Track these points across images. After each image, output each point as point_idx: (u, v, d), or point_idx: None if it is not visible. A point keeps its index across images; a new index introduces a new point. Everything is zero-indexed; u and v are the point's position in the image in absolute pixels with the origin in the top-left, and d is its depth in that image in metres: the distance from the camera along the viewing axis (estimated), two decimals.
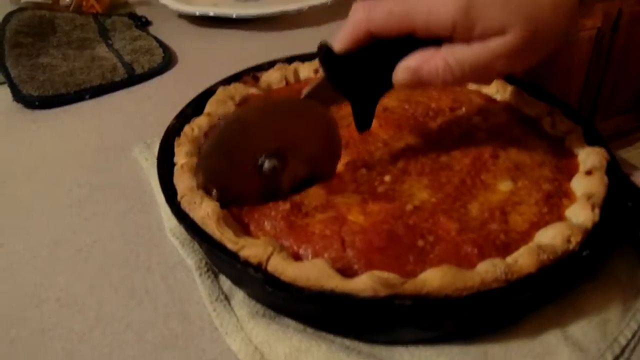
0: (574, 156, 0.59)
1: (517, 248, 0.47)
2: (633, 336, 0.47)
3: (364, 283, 0.42)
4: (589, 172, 0.54)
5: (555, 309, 0.48)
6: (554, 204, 0.52)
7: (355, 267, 0.46)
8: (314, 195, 0.53)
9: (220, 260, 0.48)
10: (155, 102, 0.88)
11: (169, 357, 0.48)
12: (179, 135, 0.62)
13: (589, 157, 0.57)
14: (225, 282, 0.53)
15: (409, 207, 0.51)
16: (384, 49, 0.49)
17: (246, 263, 0.45)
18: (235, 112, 0.50)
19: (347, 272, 0.45)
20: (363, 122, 0.55)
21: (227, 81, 0.73)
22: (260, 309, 0.50)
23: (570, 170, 0.57)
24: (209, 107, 0.67)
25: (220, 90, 0.70)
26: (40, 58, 0.97)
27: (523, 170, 0.56)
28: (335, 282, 0.42)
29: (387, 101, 0.55)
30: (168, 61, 1.01)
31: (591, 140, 0.60)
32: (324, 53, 0.50)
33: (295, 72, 0.77)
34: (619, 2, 2.36)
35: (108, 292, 0.54)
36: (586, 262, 0.46)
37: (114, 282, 0.55)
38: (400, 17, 0.47)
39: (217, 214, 0.48)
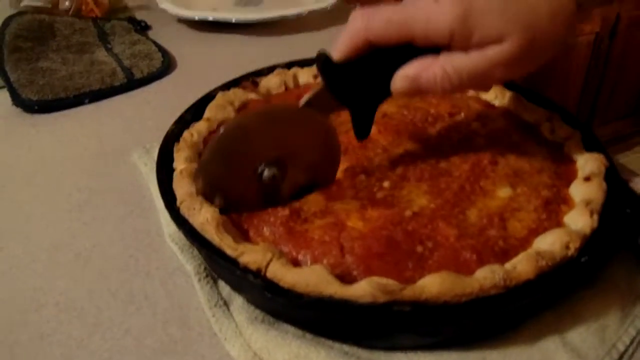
0: (572, 162, 0.59)
1: (515, 254, 0.47)
2: (631, 342, 0.47)
3: (363, 289, 0.42)
4: (587, 178, 0.54)
5: (554, 315, 0.49)
6: (552, 210, 0.52)
7: (354, 273, 0.46)
8: (313, 201, 0.53)
9: (219, 266, 0.48)
10: (155, 106, 0.88)
11: None
12: (178, 140, 0.62)
13: (587, 163, 0.57)
14: (225, 288, 0.53)
15: (407, 213, 0.51)
16: (383, 57, 0.50)
17: (245, 269, 0.45)
18: (236, 119, 0.51)
19: (346, 278, 0.45)
20: (362, 130, 0.55)
21: (227, 86, 0.73)
22: (259, 314, 0.50)
23: (569, 176, 0.57)
24: (208, 113, 0.67)
25: (220, 96, 0.70)
26: (39, 62, 0.97)
27: (522, 177, 0.56)
28: (334, 288, 0.42)
29: (386, 107, 0.56)
30: (167, 66, 1.01)
31: (590, 146, 0.60)
32: (323, 62, 0.50)
33: (295, 78, 0.77)
34: (617, 7, 2.37)
35: (107, 297, 0.54)
36: (585, 268, 0.47)
37: (113, 287, 0.55)
38: (399, 26, 0.47)
39: (216, 219, 0.48)
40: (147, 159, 0.72)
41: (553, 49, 0.49)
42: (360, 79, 0.51)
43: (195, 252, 0.56)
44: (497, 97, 0.70)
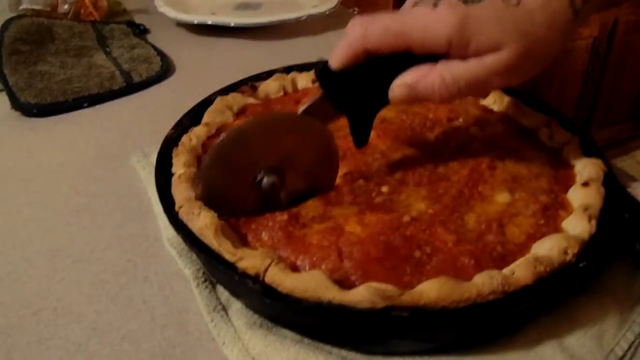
0: (570, 167, 0.59)
1: (513, 260, 0.47)
2: (629, 347, 0.47)
3: (362, 294, 0.42)
4: (585, 184, 0.54)
5: (552, 320, 0.49)
6: (550, 215, 0.52)
7: (353, 278, 0.46)
8: (312, 206, 0.53)
9: (218, 271, 0.48)
10: (153, 110, 0.88)
11: None
12: (176, 145, 0.62)
13: (585, 168, 0.57)
14: (223, 293, 0.53)
15: (406, 218, 0.51)
16: (381, 65, 0.50)
17: (244, 274, 0.45)
18: (237, 126, 0.51)
19: (344, 283, 0.45)
20: (360, 138, 0.55)
21: (225, 91, 0.73)
22: (257, 319, 0.50)
23: (567, 182, 0.57)
24: (207, 117, 0.68)
25: (218, 100, 0.70)
26: (38, 65, 0.97)
27: (520, 182, 0.56)
28: (332, 294, 0.42)
29: (385, 112, 0.56)
30: (166, 70, 1.01)
31: (588, 151, 0.60)
32: (321, 70, 0.51)
33: (293, 82, 0.77)
34: (615, 11, 2.37)
35: (105, 301, 0.54)
36: (583, 273, 0.47)
37: (111, 292, 0.55)
38: (396, 34, 0.47)
39: (215, 224, 0.49)
40: (145, 163, 0.71)
41: (550, 56, 0.49)
42: (358, 87, 0.52)
43: (194, 256, 0.56)
44: (495, 102, 0.71)
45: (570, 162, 0.60)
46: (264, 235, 0.51)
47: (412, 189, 0.55)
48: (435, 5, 0.46)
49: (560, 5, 0.46)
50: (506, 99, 0.70)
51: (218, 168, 0.51)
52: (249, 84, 0.75)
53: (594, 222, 0.50)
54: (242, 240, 0.50)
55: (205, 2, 1.31)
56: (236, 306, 0.51)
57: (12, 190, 0.70)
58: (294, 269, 0.47)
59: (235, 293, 0.52)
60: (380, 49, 0.48)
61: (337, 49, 0.50)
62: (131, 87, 0.94)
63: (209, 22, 1.15)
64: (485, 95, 0.70)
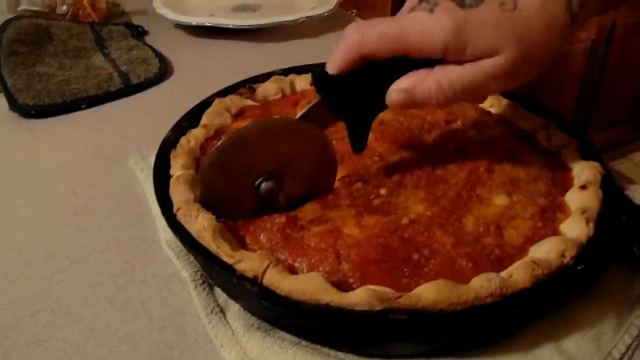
0: (568, 170, 0.59)
1: (511, 262, 0.47)
2: (627, 350, 0.47)
3: (360, 297, 0.42)
4: (583, 187, 0.55)
5: (550, 323, 0.49)
6: (548, 218, 0.53)
7: (351, 280, 0.46)
8: (310, 209, 0.53)
9: (216, 273, 0.48)
10: (151, 112, 0.88)
11: None
12: (174, 146, 0.62)
13: (583, 171, 0.57)
14: (221, 295, 0.53)
15: (404, 220, 0.51)
16: (378, 70, 0.50)
17: (242, 276, 0.45)
18: (236, 131, 0.51)
19: (342, 285, 0.45)
20: (358, 143, 0.55)
21: (223, 93, 0.73)
22: (255, 321, 0.50)
23: (564, 184, 0.57)
24: (205, 119, 0.68)
25: (217, 102, 0.70)
26: (36, 67, 0.97)
27: (518, 185, 0.56)
28: (330, 296, 0.42)
29: (383, 114, 0.56)
30: (164, 71, 1.01)
31: (586, 153, 0.60)
32: (318, 75, 0.51)
33: (292, 84, 0.77)
34: (612, 14, 2.38)
35: (103, 303, 0.54)
36: (580, 276, 0.47)
37: (109, 294, 0.55)
38: (393, 40, 0.47)
39: (213, 226, 0.48)
40: (143, 165, 0.71)
41: (547, 60, 0.49)
42: (355, 93, 0.52)
43: (192, 258, 0.56)
44: (493, 104, 0.71)
45: (568, 164, 0.60)
46: (262, 238, 0.51)
47: (410, 191, 0.55)
48: (432, 10, 0.46)
49: (557, 9, 0.46)
50: (504, 101, 0.70)
51: (217, 171, 0.51)
52: (247, 86, 0.75)
53: (591, 224, 0.50)
54: (240, 243, 0.50)
55: (203, 4, 1.31)
56: (234, 308, 0.51)
57: (10, 191, 0.70)
58: (292, 271, 0.47)
59: (233, 295, 0.52)
60: (377, 54, 0.48)
61: (334, 55, 0.50)
62: (129, 89, 0.94)
63: (208, 24, 1.15)
64: (482, 101, 0.70)
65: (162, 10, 1.20)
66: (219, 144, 0.50)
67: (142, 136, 0.80)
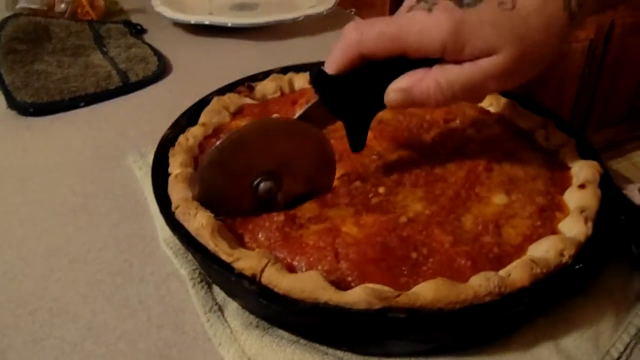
0: (567, 169, 0.59)
1: (510, 261, 0.47)
2: (625, 349, 0.48)
3: (358, 296, 0.42)
4: (582, 186, 0.54)
5: (548, 322, 0.49)
6: (547, 217, 0.53)
7: (349, 279, 0.46)
8: (308, 207, 0.53)
9: (214, 271, 0.48)
10: (150, 110, 0.88)
11: None
12: (173, 145, 0.62)
13: (582, 170, 0.57)
14: (219, 293, 0.53)
15: (403, 219, 0.51)
16: (376, 70, 0.50)
17: (240, 275, 0.45)
18: (236, 130, 0.51)
19: (341, 284, 0.45)
20: (357, 143, 0.55)
21: (222, 91, 0.73)
22: (253, 320, 0.50)
23: (563, 183, 0.57)
24: (204, 117, 0.67)
25: (215, 100, 0.70)
26: (34, 65, 0.96)
27: (517, 184, 0.56)
28: (329, 295, 0.42)
29: (382, 113, 0.56)
30: (163, 69, 1.01)
31: (584, 153, 0.60)
32: (316, 75, 0.51)
33: (290, 83, 0.77)
34: (611, 13, 2.38)
35: (101, 301, 0.54)
36: (579, 275, 0.47)
37: (107, 292, 0.55)
38: (392, 39, 0.47)
39: (211, 225, 0.48)
40: (142, 163, 0.71)
41: (546, 60, 0.49)
42: (354, 92, 0.52)
43: (190, 257, 0.56)
44: (492, 104, 0.71)
45: (566, 164, 0.60)
46: (261, 236, 0.51)
47: (409, 190, 0.55)
48: (430, 9, 0.46)
49: (556, 8, 0.46)
50: (503, 100, 0.70)
51: (215, 170, 0.51)
52: (246, 84, 0.75)
53: (590, 224, 0.50)
54: (238, 241, 0.50)
55: (202, 2, 1.30)
56: (232, 306, 0.51)
57: (8, 189, 0.70)
58: (291, 269, 0.47)
59: (232, 294, 0.52)
60: (375, 54, 0.48)
61: (332, 54, 0.50)
62: (128, 87, 0.94)
63: (206, 22, 1.15)
64: (480, 100, 0.70)
65: (160, 8, 1.19)
66: (218, 143, 0.50)
67: (141, 134, 0.80)
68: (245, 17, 1.20)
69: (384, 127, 0.64)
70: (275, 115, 0.69)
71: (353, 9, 1.39)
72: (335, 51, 0.49)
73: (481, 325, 0.46)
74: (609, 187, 0.55)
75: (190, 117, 0.68)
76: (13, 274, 0.57)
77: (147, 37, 1.17)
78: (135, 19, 1.26)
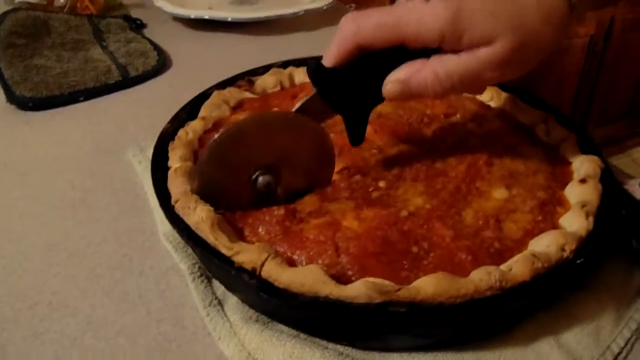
0: (568, 164, 0.59)
1: (511, 256, 0.47)
2: (626, 344, 0.47)
3: (359, 290, 0.42)
4: (583, 180, 0.54)
5: (549, 316, 0.49)
6: (548, 211, 0.52)
7: (350, 273, 0.46)
8: (309, 201, 0.53)
9: (214, 265, 0.48)
10: (149, 105, 0.88)
11: None
12: (173, 139, 0.61)
13: (583, 165, 0.57)
14: (219, 287, 0.53)
15: (403, 213, 0.51)
16: (374, 61, 0.49)
17: (240, 269, 0.45)
18: (235, 124, 0.50)
19: (341, 278, 0.45)
20: (356, 137, 0.55)
21: (222, 85, 0.73)
22: (253, 314, 0.50)
23: (564, 178, 0.57)
24: (204, 111, 0.67)
25: (215, 94, 0.70)
26: (34, 59, 0.96)
27: (517, 178, 0.56)
28: (329, 289, 0.42)
29: (382, 107, 0.56)
30: (162, 64, 1.01)
31: (585, 148, 0.60)
32: (314, 68, 0.50)
33: (290, 77, 0.77)
34: (611, 9, 2.37)
35: (100, 296, 0.53)
36: (580, 270, 0.47)
37: (106, 286, 0.54)
38: (389, 29, 0.47)
39: (211, 218, 0.48)
40: (141, 157, 0.71)
41: (545, 51, 0.49)
42: (352, 85, 0.51)
43: (190, 251, 0.56)
44: (493, 98, 0.70)
45: (567, 158, 0.60)
46: (261, 230, 0.50)
47: (410, 184, 0.55)
48: None
49: None
50: (503, 95, 0.70)
51: (215, 164, 0.51)
52: (246, 78, 0.75)
53: (591, 218, 0.50)
54: (238, 235, 0.50)
55: None
56: (232, 301, 0.51)
57: (8, 184, 0.70)
58: (291, 263, 0.47)
59: (232, 288, 0.51)
60: (373, 44, 0.48)
61: (329, 47, 0.49)
62: (127, 81, 0.94)
63: (206, 17, 1.15)
64: (480, 92, 0.70)
65: (160, 2, 1.19)
66: (217, 136, 0.50)
67: (140, 128, 0.80)
68: (245, 11, 1.20)
69: (384, 121, 0.64)
70: (274, 109, 0.68)
71: (353, 4, 1.39)
72: (332, 44, 0.49)
73: (482, 319, 0.46)
74: (610, 182, 0.55)
75: (190, 111, 0.68)
76: (12, 268, 0.57)
77: (146, 32, 1.17)
78: (134, 13, 1.26)
